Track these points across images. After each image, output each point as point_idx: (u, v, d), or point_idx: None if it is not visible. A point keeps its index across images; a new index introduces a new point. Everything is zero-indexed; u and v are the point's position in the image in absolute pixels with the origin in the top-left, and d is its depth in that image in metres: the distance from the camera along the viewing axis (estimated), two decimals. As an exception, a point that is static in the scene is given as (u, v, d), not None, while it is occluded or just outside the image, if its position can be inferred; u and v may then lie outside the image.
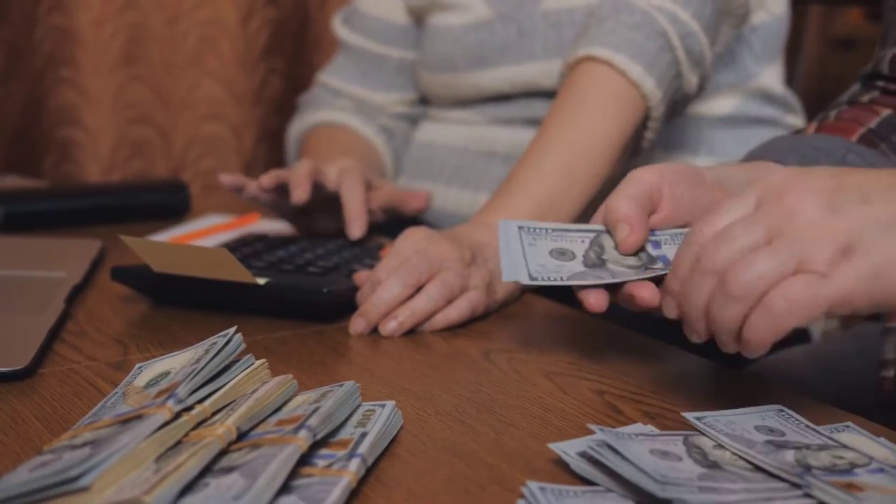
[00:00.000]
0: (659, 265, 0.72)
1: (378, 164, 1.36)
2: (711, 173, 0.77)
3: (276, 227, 1.23)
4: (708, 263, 0.60)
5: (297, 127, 1.43)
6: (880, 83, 0.93)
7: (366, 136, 1.37)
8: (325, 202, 1.14)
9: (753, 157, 0.86)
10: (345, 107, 1.39)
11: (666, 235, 0.74)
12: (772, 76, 1.31)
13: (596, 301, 0.71)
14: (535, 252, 0.74)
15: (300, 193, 1.08)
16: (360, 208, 1.08)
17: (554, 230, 0.76)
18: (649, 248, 0.74)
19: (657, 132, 1.08)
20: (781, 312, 0.58)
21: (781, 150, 0.85)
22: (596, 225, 0.76)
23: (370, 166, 1.31)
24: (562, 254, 0.73)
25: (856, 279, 0.57)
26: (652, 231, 0.74)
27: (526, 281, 0.72)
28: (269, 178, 1.11)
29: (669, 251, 0.73)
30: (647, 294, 0.70)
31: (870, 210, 0.58)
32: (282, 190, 1.11)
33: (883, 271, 0.57)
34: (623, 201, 0.73)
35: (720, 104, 1.28)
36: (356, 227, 1.07)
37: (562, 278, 0.72)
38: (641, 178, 0.74)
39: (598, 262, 0.73)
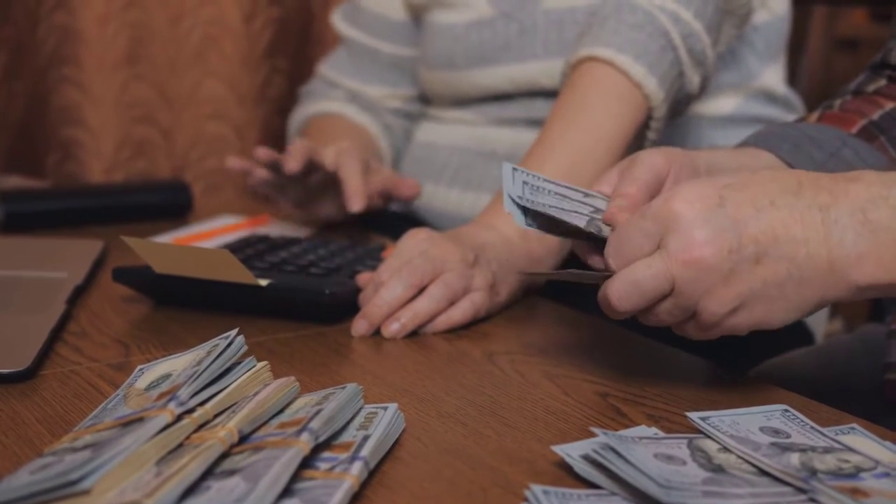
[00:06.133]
0: None
1: (375, 152, 1.37)
2: (704, 160, 0.80)
3: (283, 228, 1.23)
4: (623, 307, 0.69)
5: (296, 118, 1.45)
6: (888, 72, 0.93)
7: (362, 125, 1.38)
8: (326, 185, 1.15)
9: (748, 143, 0.87)
10: (339, 97, 1.41)
11: None
12: (774, 76, 1.30)
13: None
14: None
15: (292, 164, 1.11)
16: (359, 183, 1.09)
17: (556, 193, 0.76)
18: None
19: (659, 132, 1.08)
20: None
21: (776, 138, 0.86)
22: (595, 199, 0.77)
23: (368, 152, 1.32)
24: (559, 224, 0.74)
25: (735, 327, 0.69)
26: None
27: (523, 226, 0.75)
28: (264, 151, 1.14)
29: None
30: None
31: (761, 272, 0.66)
32: (283, 173, 1.13)
33: (761, 320, 0.68)
34: (633, 185, 0.75)
35: (722, 104, 1.27)
36: (356, 201, 1.08)
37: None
38: (652, 163, 0.76)
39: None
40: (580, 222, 0.74)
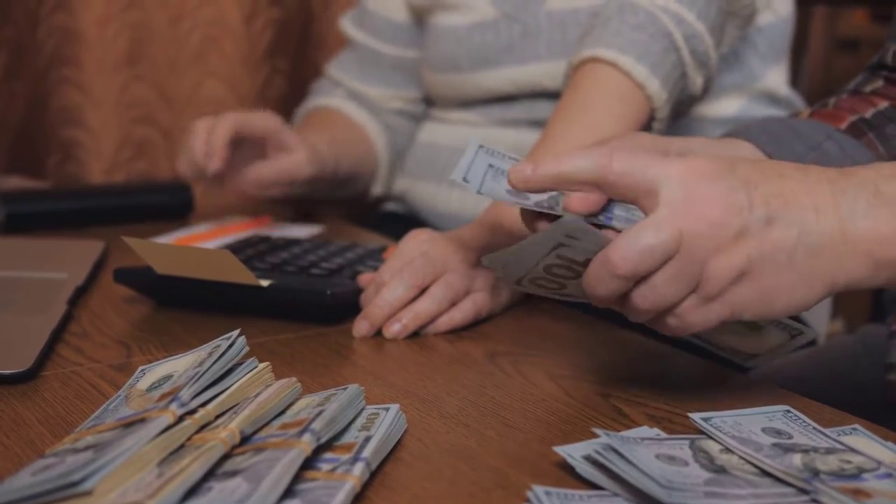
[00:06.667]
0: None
1: (366, 147, 1.39)
2: (678, 146, 0.79)
3: (284, 229, 1.23)
4: (626, 268, 0.63)
5: (298, 114, 1.47)
6: (885, 73, 0.93)
7: (358, 121, 1.40)
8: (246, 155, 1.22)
9: (729, 134, 0.87)
10: (340, 94, 1.43)
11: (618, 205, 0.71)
12: (777, 77, 1.30)
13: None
14: (493, 185, 0.74)
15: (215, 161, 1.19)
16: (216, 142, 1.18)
17: None
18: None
19: (662, 133, 1.08)
20: (674, 328, 0.66)
21: (757, 129, 0.86)
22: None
23: (353, 146, 1.36)
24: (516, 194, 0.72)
25: (739, 302, 0.64)
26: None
27: (474, 191, 0.73)
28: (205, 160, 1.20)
29: (618, 218, 0.71)
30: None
31: (771, 234, 0.63)
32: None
33: (768, 295, 0.64)
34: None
35: (725, 105, 1.27)
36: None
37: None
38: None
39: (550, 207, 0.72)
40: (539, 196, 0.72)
